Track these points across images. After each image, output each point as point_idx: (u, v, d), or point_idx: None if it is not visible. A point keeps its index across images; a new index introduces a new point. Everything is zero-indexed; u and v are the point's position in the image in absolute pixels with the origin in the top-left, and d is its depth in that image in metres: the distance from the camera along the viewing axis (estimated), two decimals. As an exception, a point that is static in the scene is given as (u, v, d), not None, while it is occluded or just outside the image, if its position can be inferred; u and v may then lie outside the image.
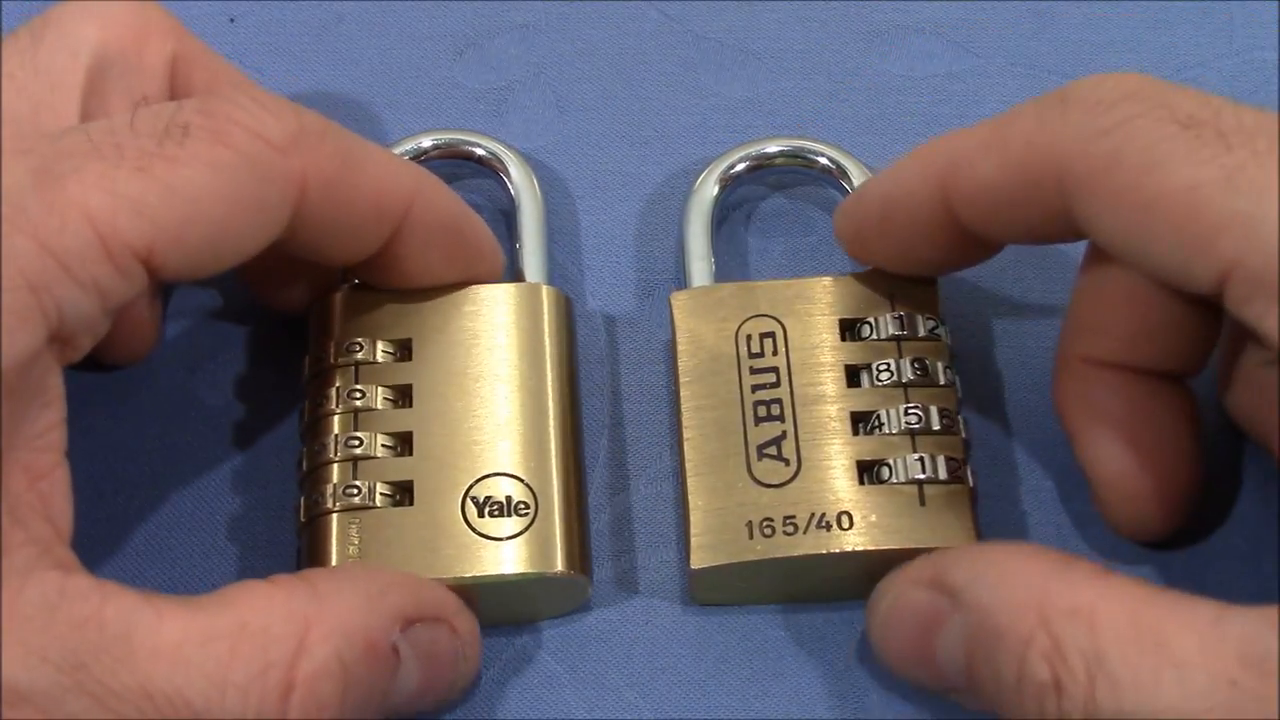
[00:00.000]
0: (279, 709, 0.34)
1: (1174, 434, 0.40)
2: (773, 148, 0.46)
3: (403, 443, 0.41)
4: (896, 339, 0.42)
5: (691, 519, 0.40)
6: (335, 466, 0.40)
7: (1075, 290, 0.40)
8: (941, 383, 0.41)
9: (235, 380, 0.45)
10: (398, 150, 0.46)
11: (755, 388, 0.41)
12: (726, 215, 0.47)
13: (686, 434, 0.41)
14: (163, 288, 0.45)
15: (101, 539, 0.42)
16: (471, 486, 0.40)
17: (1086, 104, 0.36)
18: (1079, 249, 0.46)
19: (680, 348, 0.42)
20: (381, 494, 0.40)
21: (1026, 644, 0.33)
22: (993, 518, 0.42)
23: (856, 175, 0.45)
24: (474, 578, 0.39)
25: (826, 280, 0.43)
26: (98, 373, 0.44)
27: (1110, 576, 0.34)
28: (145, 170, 0.35)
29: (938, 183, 0.39)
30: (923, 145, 0.40)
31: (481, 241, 0.42)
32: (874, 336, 0.42)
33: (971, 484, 0.40)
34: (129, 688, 0.33)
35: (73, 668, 0.33)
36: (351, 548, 0.39)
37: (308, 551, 0.40)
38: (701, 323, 0.42)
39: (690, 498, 0.40)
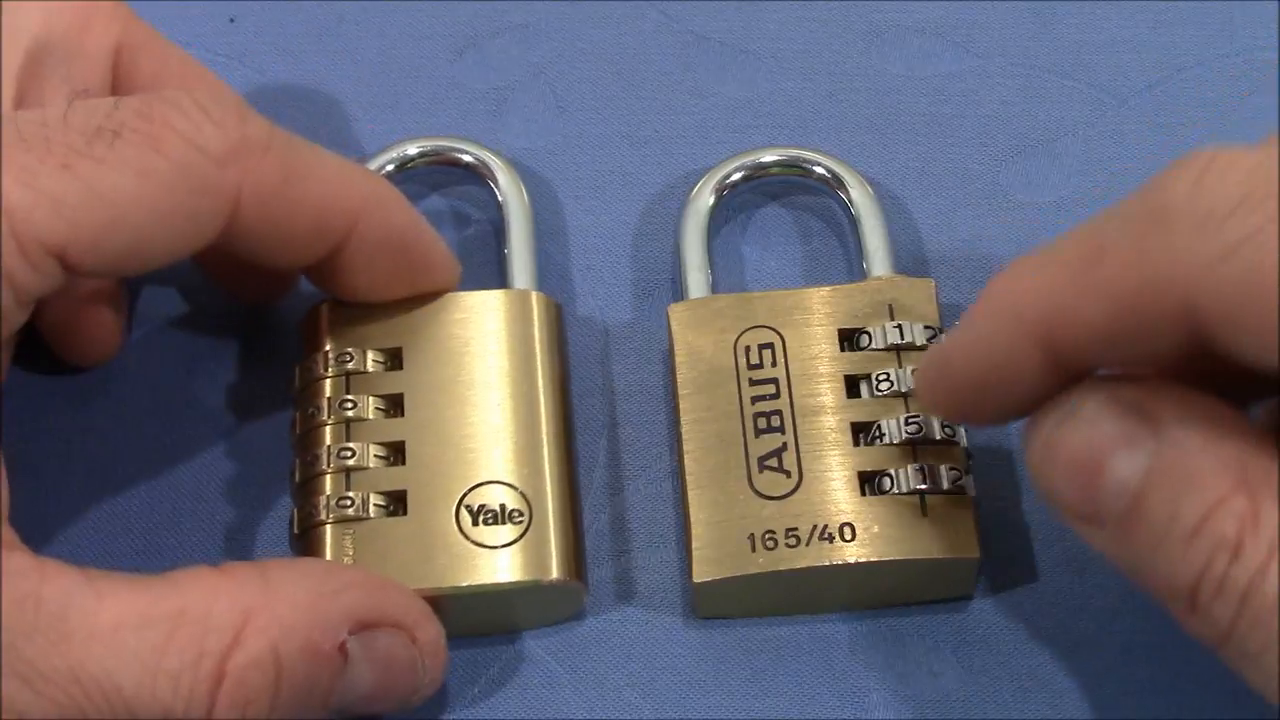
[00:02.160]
0: (208, 699, 0.34)
1: None
2: (769, 157, 0.46)
3: (395, 452, 0.41)
4: (895, 348, 0.42)
5: (693, 532, 0.40)
6: (328, 478, 0.40)
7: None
8: (941, 391, 0.41)
9: (234, 381, 0.45)
10: (383, 158, 0.46)
11: (755, 399, 0.41)
12: (723, 225, 0.47)
13: (687, 447, 0.41)
14: (123, 289, 0.44)
15: (100, 539, 0.42)
16: (465, 495, 0.40)
17: (1194, 221, 0.31)
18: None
19: (679, 360, 0.42)
20: (375, 504, 0.40)
21: (1223, 498, 0.31)
22: (995, 527, 0.42)
23: (854, 184, 0.45)
24: (469, 587, 0.39)
25: (824, 290, 0.43)
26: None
27: None
28: (70, 168, 0.34)
29: (1035, 338, 0.34)
30: (997, 289, 0.35)
31: (432, 257, 0.42)
32: (873, 346, 0.42)
33: (973, 493, 0.40)
34: (59, 670, 0.33)
35: (4, 647, 0.33)
36: (346, 558, 0.39)
37: (302, 562, 0.40)
38: (700, 335, 0.42)
39: (691, 511, 0.40)
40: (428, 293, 0.42)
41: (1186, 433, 0.32)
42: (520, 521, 0.40)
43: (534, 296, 0.43)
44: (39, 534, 0.42)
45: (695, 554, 0.40)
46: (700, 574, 0.39)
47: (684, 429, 0.41)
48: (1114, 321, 0.32)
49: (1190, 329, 0.31)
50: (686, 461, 0.41)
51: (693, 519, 0.40)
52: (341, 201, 0.39)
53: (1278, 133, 0.32)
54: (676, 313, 0.43)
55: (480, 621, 0.41)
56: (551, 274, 0.46)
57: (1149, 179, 0.32)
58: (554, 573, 0.40)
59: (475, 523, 0.40)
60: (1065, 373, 0.34)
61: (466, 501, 0.40)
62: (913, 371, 0.40)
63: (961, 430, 0.41)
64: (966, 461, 0.40)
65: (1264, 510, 0.31)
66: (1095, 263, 0.32)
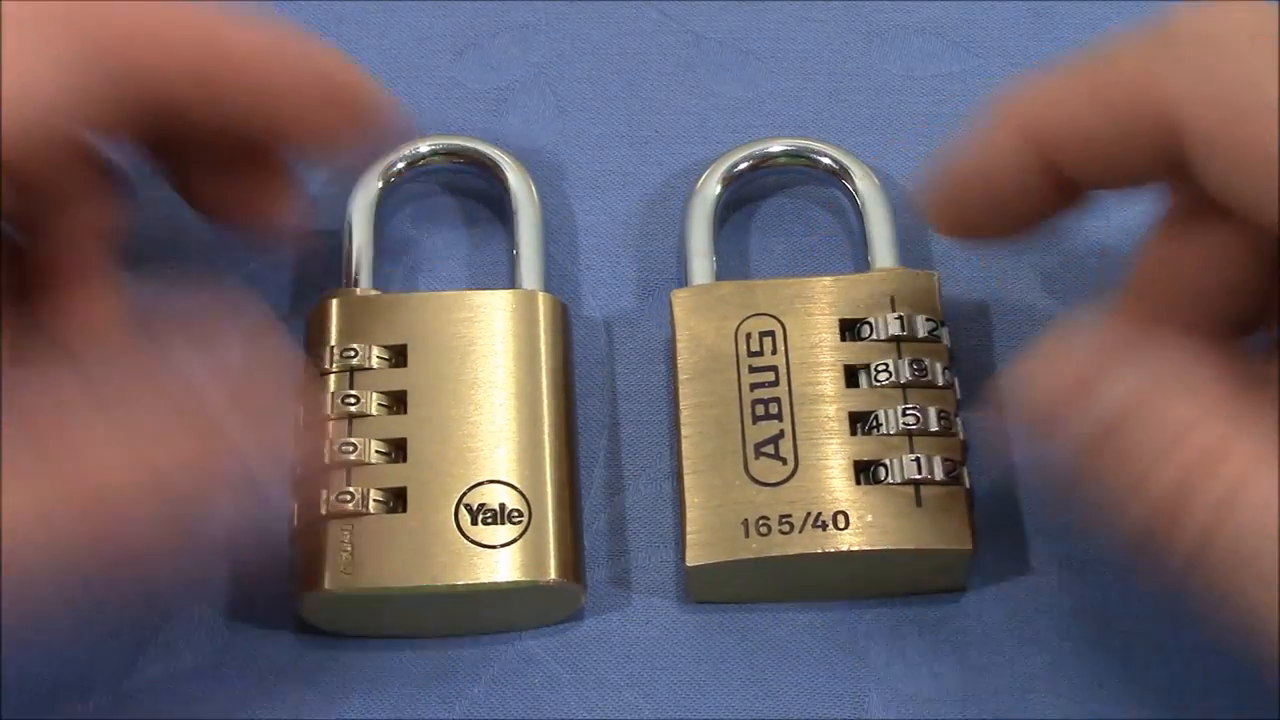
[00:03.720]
0: None
1: None
2: (775, 147, 0.46)
3: (397, 449, 0.41)
4: (896, 339, 0.42)
5: (688, 516, 0.40)
6: (329, 472, 0.40)
7: (1150, 247, 0.38)
8: (940, 384, 0.41)
9: (235, 381, 0.45)
10: (394, 155, 0.46)
11: (754, 386, 0.41)
12: (728, 214, 0.47)
13: (685, 431, 0.41)
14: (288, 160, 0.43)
15: (101, 539, 0.42)
16: (465, 494, 0.40)
17: (1193, 40, 0.33)
18: (1081, 246, 0.46)
19: (680, 345, 0.42)
20: (375, 500, 0.40)
21: (1202, 415, 0.32)
22: (990, 519, 0.42)
23: (859, 175, 0.45)
24: (466, 585, 0.39)
25: (827, 280, 0.43)
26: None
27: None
28: None
29: (1035, 144, 0.36)
30: (1006, 105, 0.37)
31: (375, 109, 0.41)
32: (874, 337, 0.42)
33: (968, 485, 0.40)
34: None
35: None
36: (344, 554, 0.39)
37: (301, 558, 0.40)
38: (701, 320, 0.42)
39: (687, 495, 0.40)
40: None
41: (1174, 357, 0.33)
42: (519, 521, 0.40)
43: (541, 297, 0.43)
44: (38, 533, 0.42)
45: (689, 538, 0.40)
46: (693, 558, 0.40)
47: (683, 413, 0.41)
48: (1105, 129, 0.35)
49: (1173, 148, 0.33)
50: (684, 445, 0.41)
51: (688, 503, 0.40)
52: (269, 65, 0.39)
53: None
54: (679, 298, 0.43)
55: (479, 621, 0.41)
56: (552, 273, 0.46)
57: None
58: (552, 573, 0.40)
59: (474, 522, 0.40)
60: (1063, 187, 0.36)
61: (466, 500, 0.40)
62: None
63: (959, 422, 0.41)
64: (963, 453, 0.40)
65: (1244, 431, 0.32)
66: (1100, 74, 0.35)
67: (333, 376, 0.42)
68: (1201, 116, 0.33)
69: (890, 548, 0.39)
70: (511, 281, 0.44)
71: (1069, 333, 0.35)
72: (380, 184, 0.46)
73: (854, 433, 0.41)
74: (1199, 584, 0.32)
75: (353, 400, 0.41)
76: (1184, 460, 0.32)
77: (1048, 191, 0.37)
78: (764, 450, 0.40)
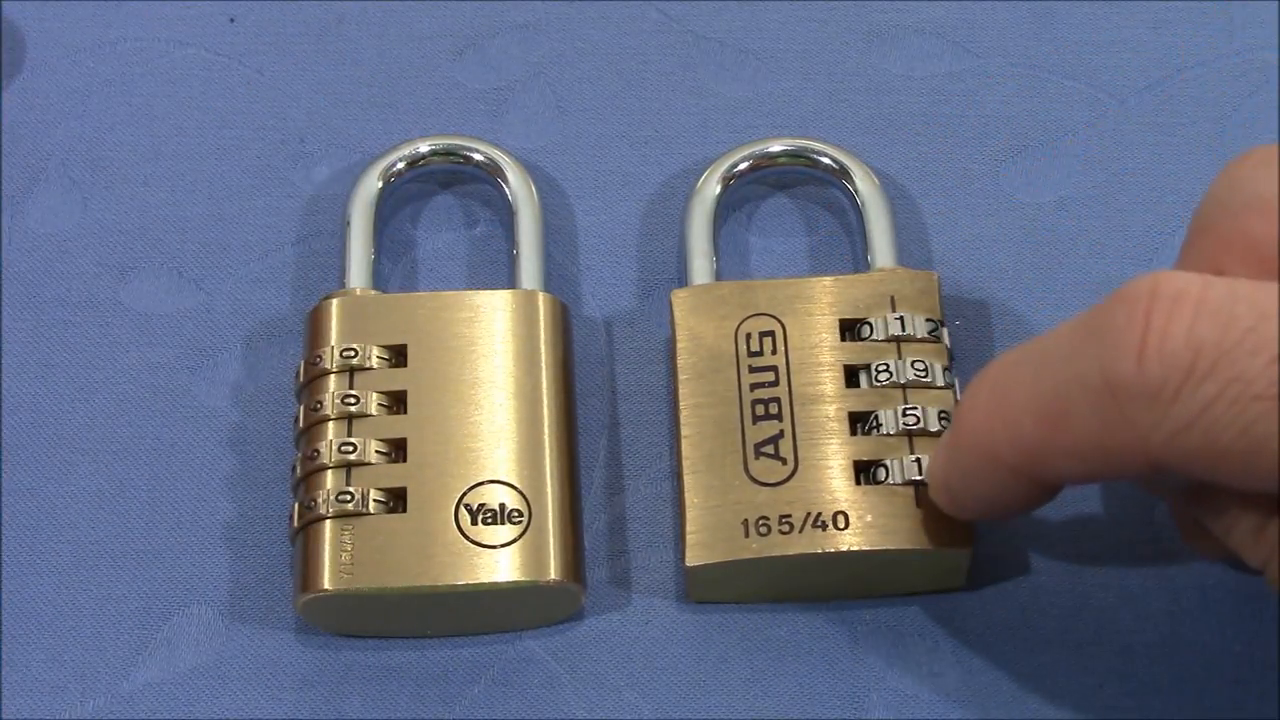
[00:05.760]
0: None
1: None
2: (776, 147, 0.46)
3: (397, 449, 0.41)
4: (896, 340, 0.42)
5: (687, 516, 0.40)
6: (329, 473, 0.40)
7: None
8: (940, 384, 0.41)
9: (235, 381, 0.45)
10: (394, 155, 0.46)
11: (754, 386, 0.41)
12: (728, 214, 0.47)
13: (684, 431, 0.41)
14: None
15: (101, 539, 0.42)
16: (465, 494, 0.40)
17: (1146, 399, 0.31)
18: (1082, 242, 0.46)
19: (680, 345, 0.42)
20: (375, 500, 0.40)
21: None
22: (994, 524, 0.42)
23: (859, 175, 0.45)
24: (465, 586, 0.39)
25: (827, 280, 0.43)
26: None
27: None
28: None
29: (1017, 475, 0.35)
30: (970, 432, 0.35)
31: None
32: (874, 337, 0.42)
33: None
34: None
35: None
36: (344, 554, 0.39)
37: (301, 558, 0.40)
38: (701, 320, 0.42)
39: (686, 495, 0.40)
40: None
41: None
42: (519, 521, 0.40)
43: (541, 297, 0.43)
44: (39, 533, 0.42)
45: (689, 538, 0.40)
46: (693, 558, 0.40)
47: (682, 413, 0.41)
48: (1088, 474, 0.34)
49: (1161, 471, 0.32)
50: (684, 445, 0.41)
51: (687, 503, 0.40)
52: None
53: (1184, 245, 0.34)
54: (679, 298, 0.43)
55: (479, 621, 0.41)
56: (552, 273, 0.46)
57: (1094, 326, 0.32)
58: (551, 573, 0.40)
59: (474, 522, 0.40)
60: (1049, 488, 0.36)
61: (466, 500, 0.40)
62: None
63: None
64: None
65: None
66: (1059, 428, 0.33)
67: (332, 377, 0.42)
68: (1186, 462, 0.31)
69: (890, 548, 0.39)
70: (511, 281, 0.44)
71: None
72: (380, 184, 0.46)
73: (854, 433, 0.41)
74: None
75: (353, 400, 0.41)
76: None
77: (1035, 491, 0.36)
78: (764, 450, 0.40)
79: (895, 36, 0.50)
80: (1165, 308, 0.31)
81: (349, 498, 0.40)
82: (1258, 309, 0.31)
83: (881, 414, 0.41)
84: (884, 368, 0.41)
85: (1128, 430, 0.31)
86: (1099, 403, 0.32)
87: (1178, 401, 0.31)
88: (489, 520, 0.40)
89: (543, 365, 0.42)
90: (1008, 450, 0.34)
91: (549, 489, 0.41)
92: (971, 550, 0.39)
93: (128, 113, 0.49)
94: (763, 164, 0.46)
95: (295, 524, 0.40)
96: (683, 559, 0.40)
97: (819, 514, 0.39)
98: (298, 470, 0.41)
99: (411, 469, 0.40)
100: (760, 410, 0.41)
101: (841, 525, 0.39)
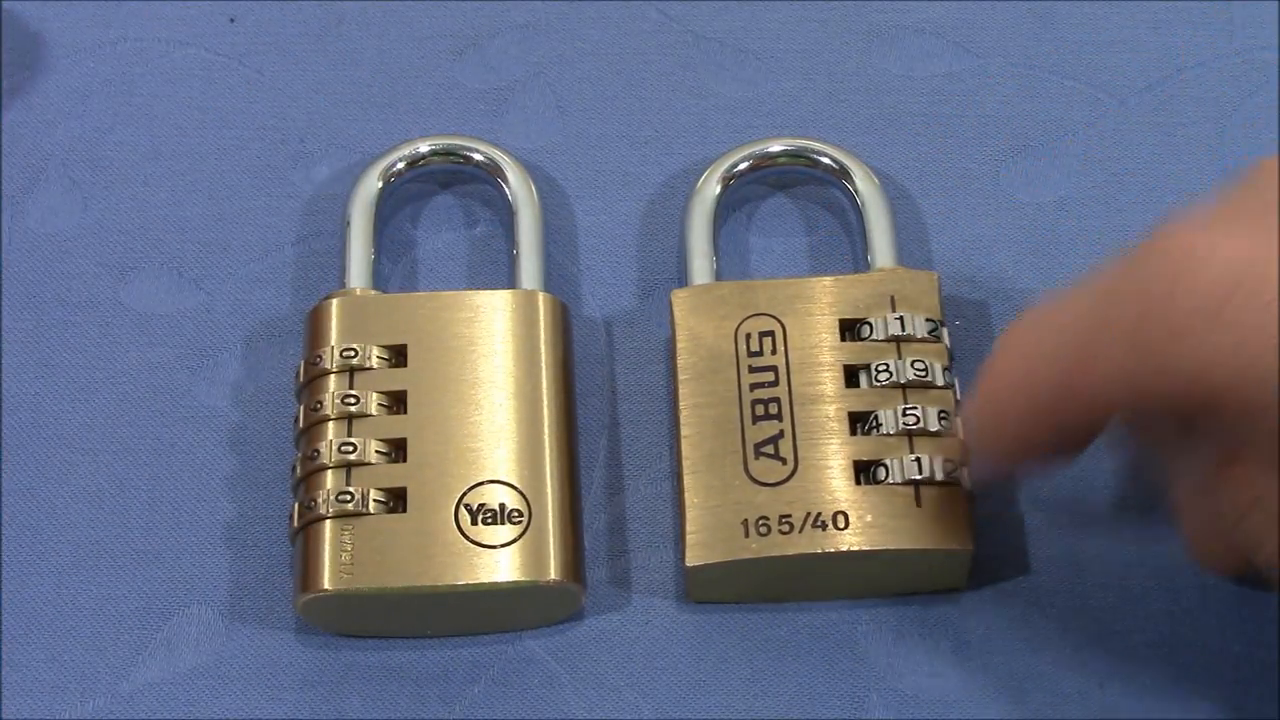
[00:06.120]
0: None
1: None
2: (776, 147, 0.46)
3: (397, 449, 0.41)
4: (896, 340, 0.42)
5: (687, 516, 0.40)
6: (329, 472, 0.40)
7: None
8: (940, 384, 0.41)
9: (235, 381, 0.45)
10: (394, 155, 0.46)
11: (754, 386, 0.41)
12: (728, 214, 0.47)
13: (684, 431, 0.41)
14: None
15: (101, 539, 0.42)
16: (465, 494, 0.40)
17: (1184, 313, 0.32)
18: (1081, 242, 0.46)
19: (680, 345, 0.42)
20: (375, 500, 0.40)
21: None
22: (989, 519, 0.42)
23: (859, 175, 0.45)
24: (465, 585, 0.39)
25: (827, 280, 0.43)
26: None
27: None
28: None
29: (1051, 425, 0.36)
30: (1010, 364, 0.36)
31: None
32: (873, 337, 0.42)
33: (968, 485, 0.40)
34: None
35: None
36: (344, 554, 0.39)
37: (301, 558, 0.40)
38: (701, 320, 0.42)
39: (686, 495, 0.40)
40: None
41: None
42: (519, 521, 0.40)
43: (541, 297, 0.43)
44: (39, 533, 0.42)
45: (689, 538, 0.40)
46: (693, 558, 0.40)
47: (682, 414, 0.41)
48: (1118, 396, 0.34)
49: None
50: (683, 446, 0.41)
51: (687, 503, 0.40)
52: None
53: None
54: (679, 298, 0.43)
55: (479, 621, 0.41)
56: (552, 273, 0.46)
57: (1129, 266, 0.33)
58: (551, 573, 0.40)
59: (474, 521, 0.40)
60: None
61: (466, 500, 0.40)
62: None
63: (959, 422, 0.41)
64: (963, 454, 0.40)
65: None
66: (1096, 349, 0.34)
67: (332, 377, 0.42)
68: (1240, 385, 0.32)
69: (890, 548, 0.39)
70: (511, 281, 0.44)
71: None
72: (380, 184, 0.46)
73: (854, 433, 0.41)
74: None
75: (353, 400, 0.41)
76: None
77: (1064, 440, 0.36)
78: (764, 450, 0.40)
79: (895, 36, 0.50)
80: (1196, 253, 0.32)
81: (349, 498, 0.40)
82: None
83: (881, 414, 0.41)
84: (884, 368, 0.41)
85: (1166, 340, 0.32)
86: (1139, 312, 0.33)
87: (1220, 322, 0.32)
88: (489, 520, 0.40)
89: (543, 365, 0.42)
90: (1044, 372, 0.35)
91: (549, 489, 0.41)
92: (971, 550, 0.39)
93: (128, 113, 0.49)
94: (763, 164, 0.46)
95: (295, 524, 0.40)
96: (683, 559, 0.40)
97: (819, 514, 0.39)
98: (298, 470, 0.41)
99: (411, 469, 0.40)
100: (760, 410, 0.41)
101: (841, 525, 0.39)
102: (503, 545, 0.40)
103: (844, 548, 0.39)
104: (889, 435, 0.40)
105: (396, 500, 0.40)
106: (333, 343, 0.42)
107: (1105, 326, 0.33)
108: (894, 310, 0.42)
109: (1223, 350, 0.32)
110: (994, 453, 0.38)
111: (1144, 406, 0.34)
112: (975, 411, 0.37)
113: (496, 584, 0.39)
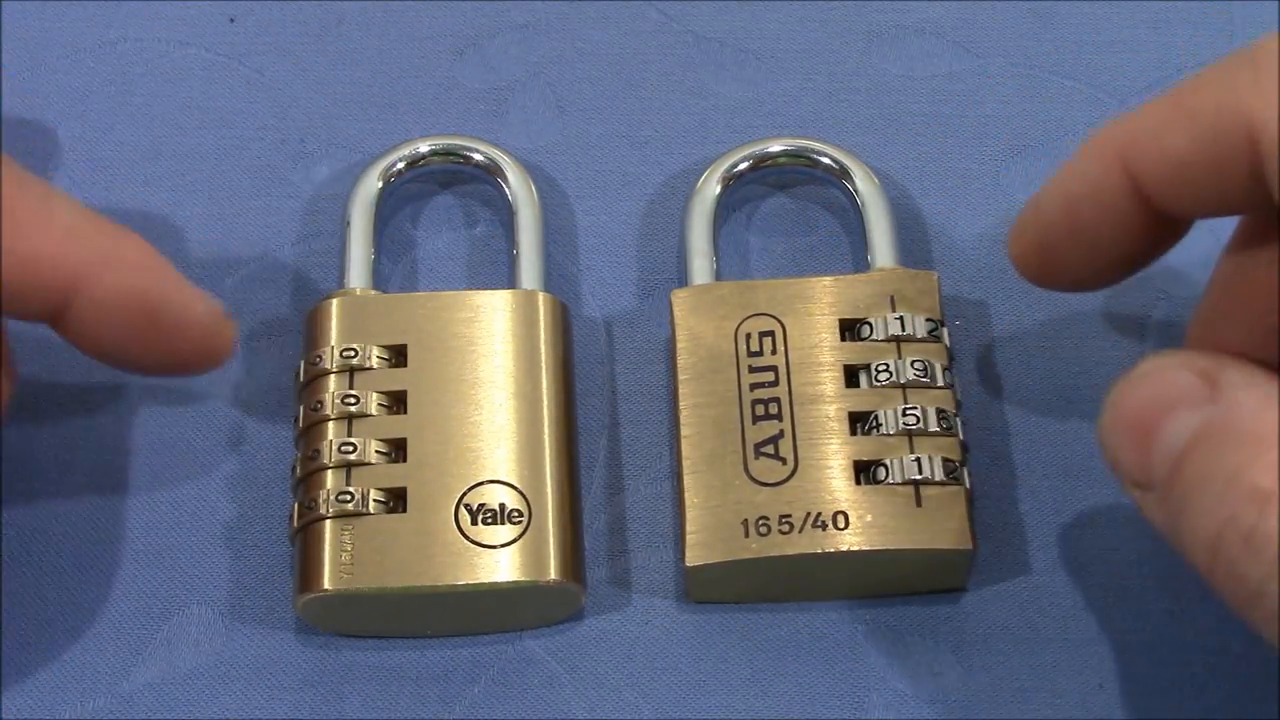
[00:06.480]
0: None
1: None
2: (776, 147, 0.46)
3: (397, 449, 0.41)
4: (896, 339, 0.42)
5: (687, 516, 0.40)
6: (329, 473, 0.40)
7: (1216, 277, 0.38)
8: (940, 384, 0.41)
9: (235, 381, 0.45)
10: (394, 155, 0.46)
11: (754, 386, 0.41)
12: (728, 214, 0.47)
13: (684, 431, 0.41)
14: None
15: (101, 539, 0.42)
16: (465, 494, 0.40)
17: (1272, 64, 0.33)
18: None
19: (680, 345, 0.42)
20: (375, 500, 0.40)
21: (1257, 451, 0.31)
22: (991, 519, 0.42)
23: (859, 175, 0.45)
24: (465, 586, 0.39)
25: (827, 280, 0.43)
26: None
27: None
28: None
29: (1122, 167, 0.36)
30: (1094, 134, 0.37)
31: (185, 321, 0.38)
32: (874, 337, 0.42)
33: (968, 485, 0.40)
34: None
35: None
36: (344, 554, 0.39)
37: (300, 558, 0.40)
38: (701, 320, 0.42)
39: (686, 495, 0.40)
40: (193, 360, 0.39)
41: (1243, 395, 0.33)
42: (519, 521, 0.40)
43: (541, 297, 0.43)
44: (39, 534, 0.42)
45: (689, 538, 0.40)
46: (693, 558, 0.40)
47: (682, 413, 0.41)
48: (1192, 149, 0.34)
49: (1258, 170, 0.33)
50: (683, 446, 0.41)
51: (687, 503, 0.40)
52: (57, 262, 0.36)
53: None
54: (679, 298, 0.43)
55: (479, 621, 0.41)
56: (552, 273, 0.46)
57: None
58: (551, 573, 0.40)
59: (474, 521, 0.40)
60: (1154, 217, 0.36)
61: (466, 500, 0.40)
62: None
63: (958, 422, 0.41)
64: (963, 453, 0.40)
65: None
66: (1187, 99, 0.34)
67: (332, 377, 0.42)
68: (1276, 135, 0.33)
69: (890, 548, 0.39)
70: (511, 281, 0.44)
71: (1146, 363, 0.35)
72: (380, 184, 0.46)
73: (854, 433, 0.41)
74: (1258, 614, 0.32)
75: (353, 400, 0.41)
76: (1241, 492, 0.31)
77: (1138, 222, 0.36)
78: (764, 450, 0.40)
79: (895, 36, 0.50)
80: None
81: (349, 498, 0.40)
82: None
83: (881, 414, 0.41)
84: (884, 368, 0.41)
85: (1250, 90, 0.33)
86: (1226, 70, 0.34)
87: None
88: (489, 520, 0.40)
89: (543, 365, 0.42)
90: (1119, 129, 0.36)
91: (549, 489, 0.41)
92: (971, 550, 0.39)
93: (128, 113, 0.49)
94: (763, 164, 0.46)
95: (295, 524, 0.40)
96: (683, 559, 0.40)
97: (819, 514, 0.39)
98: (298, 470, 0.41)
99: (411, 469, 0.40)
100: (760, 410, 0.41)
101: (841, 525, 0.39)
102: (503, 545, 0.40)
103: (844, 548, 0.39)
104: (889, 435, 0.40)
105: (396, 500, 0.40)
106: (333, 343, 0.42)
107: (1192, 83, 0.34)
108: (894, 310, 0.42)
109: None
110: (1051, 241, 0.38)
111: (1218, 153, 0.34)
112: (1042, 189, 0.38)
113: (496, 584, 0.39)
